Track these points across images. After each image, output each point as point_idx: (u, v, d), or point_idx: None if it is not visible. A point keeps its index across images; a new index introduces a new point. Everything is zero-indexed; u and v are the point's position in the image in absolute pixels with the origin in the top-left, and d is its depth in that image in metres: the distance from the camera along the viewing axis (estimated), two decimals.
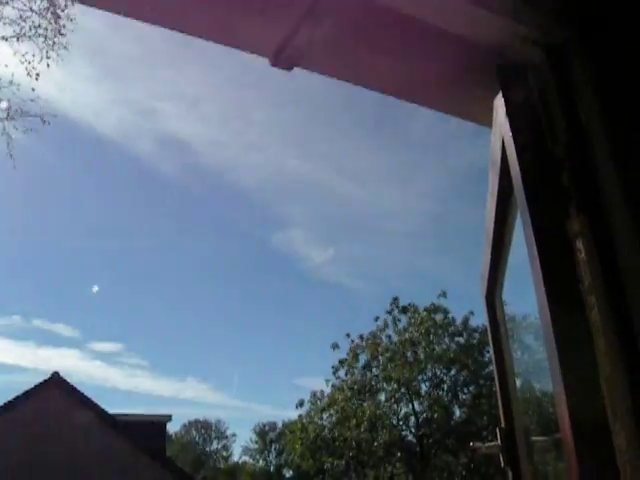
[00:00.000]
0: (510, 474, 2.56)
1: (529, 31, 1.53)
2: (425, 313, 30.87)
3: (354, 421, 30.36)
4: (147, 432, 27.72)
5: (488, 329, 2.71)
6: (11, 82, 11.79)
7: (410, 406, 31.22)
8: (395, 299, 31.94)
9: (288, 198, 61.99)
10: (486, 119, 1.96)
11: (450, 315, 30.97)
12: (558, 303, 1.41)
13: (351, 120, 53.57)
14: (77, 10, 12.70)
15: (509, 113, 1.59)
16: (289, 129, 54.14)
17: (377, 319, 31.91)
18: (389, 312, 31.73)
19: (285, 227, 69.08)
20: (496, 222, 2.01)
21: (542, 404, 2.50)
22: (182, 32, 1.74)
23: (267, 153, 57.83)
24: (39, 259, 59.31)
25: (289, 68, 1.79)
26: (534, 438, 2.49)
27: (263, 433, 67.16)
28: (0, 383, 60.61)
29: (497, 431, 2.63)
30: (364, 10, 1.70)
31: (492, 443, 2.65)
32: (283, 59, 1.75)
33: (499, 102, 1.69)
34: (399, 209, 52.47)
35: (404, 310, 31.55)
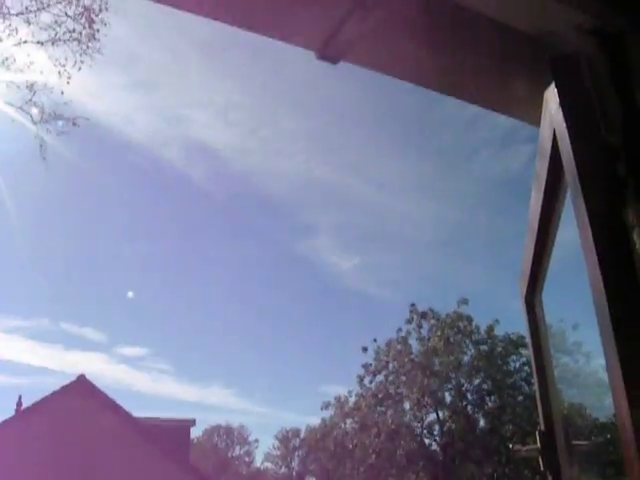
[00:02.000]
0: (550, 478, 2.52)
1: (584, 19, 1.50)
2: (449, 320, 30.71)
3: (375, 430, 30.27)
4: (171, 436, 27.87)
5: (527, 332, 2.67)
6: (45, 86, 11.95)
7: (434, 415, 31.04)
8: (412, 305, 31.85)
9: (314, 206, 62.09)
10: (532, 115, 1.93)
11: (474, 323, 30.77)
12: (616, 295, 1.37)
13: (378, 129, 53.58)
14: (110, 19, 12.89)
15: (562, 103, 1.56)
16: (317, 137, 54.28)
17: (399, 330, 31.86)
18: (409, 321, 31.64)
19: (311, 235, 69.16)
20: (542, 217, 1.96)
21: (584, 408, 2.46)
22: (230, 24, 1.73)
23: (294, 161, 58.00)
24: (69, 262, 59.78)
25: (335, 61, 1.78)
26: (575, 442, 2.44)
27: (286, 439, 67.11)
28: (28, 385, 61.21)
29: (537, 434, 2.59)
30: (410, 2, 1.68)
31: (532, 446, 2.61)
32: (330, 52, 1.73)
33: (551, 93, 1.65)
34: (425, 217, 52.26)
35: (423, 316, 31.42)
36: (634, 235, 1.40)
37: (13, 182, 14.71)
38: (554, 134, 1.64)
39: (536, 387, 2.59)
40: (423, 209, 51.83)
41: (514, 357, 30.34)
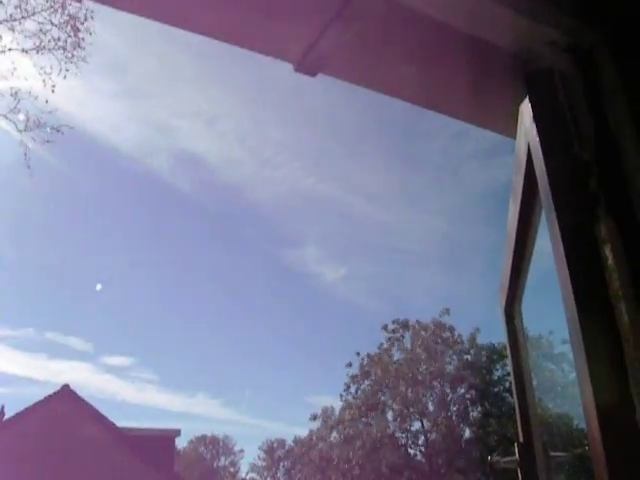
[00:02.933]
0: None
1: (557, 35, 1.51)
2: (431, 330, 30.82)
3: (359, 441, 30.22)
4: (156, 446, 27.68)
5: (507, 342, 2.68)
6: (30, 93, 11.91)
7: (419, 424, 31.04)
8: (394, 321, 32.04)
9: (302, 216, 62.19)
10: (509, 128, 1.95)
11: (456, 332, 30.88)
12: (586, 309, 1.38)
13: (366, 139, 53.84)
14: (98, 27, 12.88)
15: (536, 118, 1.58)
16: (304, 148, 54.48)
17: (381, 345, 32.00)
18: (393, 331, 31.77)
19: (298, 245, 69.23)
20: (519, 230, 1.98)
21: (562, 419, 2.45)
22: (207, 36, 1.74)
23: (282, 171, 58.13)
24: (53, 272, 59.46)
25: (313, 74, 1.79)
26: (554, 454, 2.44)
27: (271, 450, 66.83)
28: (12, 395, 60.63)
29: (515, 446, 2.59)
30: (389, 16, 1.69)
31: (510, 458, 2.61)
32: (307, 65, 1.74)
33: (526, 107, 1.67)
34: (411, 228, 52.53)
35: (405, 325, 31.57)
36: (605, 250, 1.41)
37: None
38: (528, 148, 1.65)
39: (515, 398, 2.59)
40: (410, 220, 52.11)
41: (498, 366, 30.45)
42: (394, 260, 58.11)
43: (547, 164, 1.49)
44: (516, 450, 2.57)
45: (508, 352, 2.69)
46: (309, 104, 48.77)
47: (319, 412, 34.50)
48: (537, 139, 1.54)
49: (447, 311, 30.99)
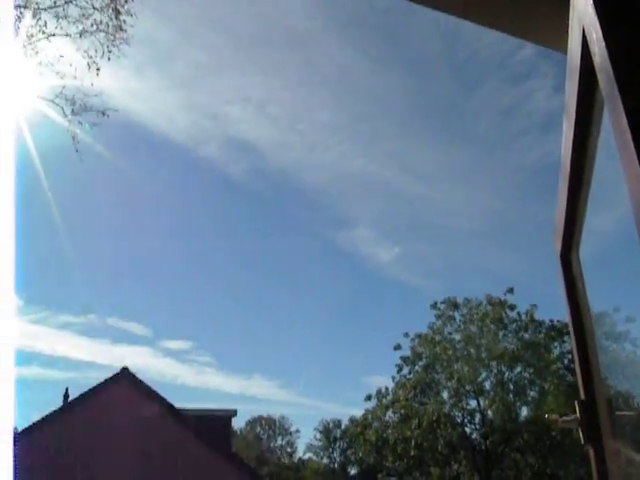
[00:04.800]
0: (592, 452, 2.30)
1: None
2: (487, 307, 30.32)
3: (416, 421, 30.01)
4: (213, 426, 27.99)
5: (563, 291, 2.45)
6: (75, 78, 12.00)
7: (475, 403, 30.68)
8: (444, 300, 31.69)
9: (354, 197, 62.01)
10: (553, 37, 1.72)
11: (516, 310, 30.30)
12: None
13: (416, 118, 53.27)
14: (147, 19, 12.97)
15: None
16: (354, 129, 54.19)
17: (432, 324, 31.74)
18: (442, 310, 31.45)
19: (350, 226, 69.10)
20: (575, 156, 1.74)
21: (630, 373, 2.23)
22: None
23: (332, 153, 58.01)
24: (113, 259, 60.72)
25: None
26: (620, 412, 2.22)
27: (327, 430, 67.24)
28: (77, 379, 62.45)
29: (576, 404, 2.38)
30: None
31: (570, 416, 2.40)
32: None
33: None
34: (464, 206, 51.80)
35: (455, 305, 31.15)
36: None
37: (52, 178, 14.81)
38: (583, 34, 1.42)
39: (574, 351, 2.37)
40: (462, 198, 51.38)
41: (556, 344, 29.82)
42: (447, 239, 57.51)
43: (609, 46, 1.26)
44: (577, 408, 2.36)
45: (565, 301, 2.46)
46: (358, 85, 48.41)
47: (374, 392, 34.40)
48: (597, 22, 1.31)
49: (511, 290, 30.40)
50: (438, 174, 53.63)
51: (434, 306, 31.86)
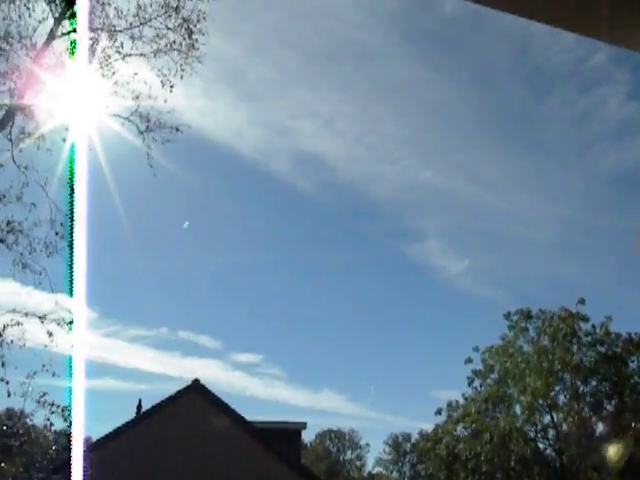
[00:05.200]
0: None
1: None
2: (560, 319, 29.58)
3: (487, 435, 29.46)
4: (282, 439, 28.13)
5: None
6: (149, 96, 12.45)
7: (549, 418, 29.92)
8: (517, 311, 31.04)
9: (422, 209, 61.84)
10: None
11: (590, 323, 29.46)
12: None
13: (483, 128, 52.76)
14: (216, 38, 13.39)
15: None
16: (421, 141, 54.13)
17: (505, 336, 31.15)
18: (515, 322, 30.82)
19: (419, 238, 68.87)
20: None
21: None
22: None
23: (400, 165, 58.08)
24: (184, 273, 62.11)
25: None
26: None
27: (397, 444, 66.72)
28: (150, 390, 63.86)
29: None
30: None
31: None
32: None
33: None
34: (534, 216, 50.95)
35: (529, 317, 30.47)
36: None
37: (125, 194, 15.31)
38: None
39: None
40: (532, 208, 50.52)
41: (634, 358, 28.84)
42: (516, 249, 56.55)
43: None
44: None
45: None
46: (423, 97, 48.24)
47: (444, 406, 33.99)
48: None
49: (582, 301, 29.60)
50: (506, 184, 52.91)
51: (507, 317, 31.30)
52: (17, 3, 12.59)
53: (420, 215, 63.78)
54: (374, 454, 77.83)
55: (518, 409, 30.40)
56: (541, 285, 57.18)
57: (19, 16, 12.64)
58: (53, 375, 12.49)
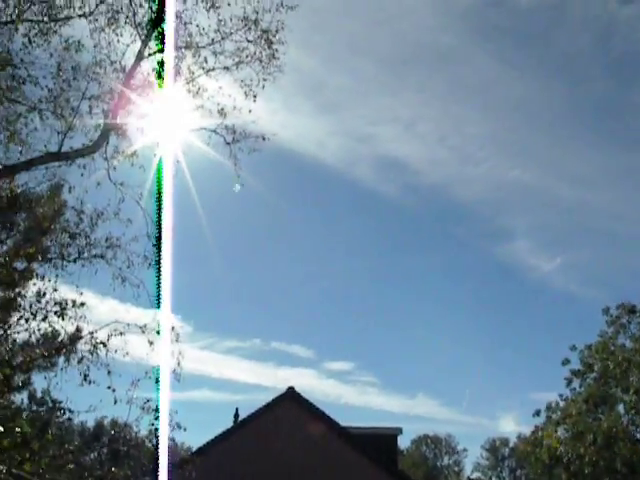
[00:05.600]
0: None
1: None
2: None
3: (590, 437, 28.48)
4: (378, 445, 28.05)
5: None
6: (234, 108, 12.84)
7: None
8: (618, 306, 29.83)
9: (510, 209, 60.78)
10: None
11: None
12: None
13: (570, 122, 51.45)
14: (292, 51, 13.73)
15: None
16: (505, 139, 53.24)
17: (604, 333, 30.06)
18: (611, 322, 29.66)
19: (508, 238, 67.71)
20: None
21: None
22: None
23: (485, 166, 57.34)
24: (274, 284, 63.18)
25: None
26: None
27: (494, 449, 65.39)
28: (245, 401, 65.13)
29: None
30: None
31: None
32: None
33: None
34: (628, 210, 49.12)
35: (631, 311, 29.25)
36: None
37: (212, 205, 15.75)
38: None
39: None
40: (625, 201, 48.73)
41: None
42: (611, 244, 54.68)
43: None
44: None
45: None
46: (505, 95, 47.37)
47: (541, 408, 33.11)
48: None
49: None
50: (598, 178, 51.31)
51: (606, 312, 30.24)
52: (107, 30, 13.20)
53: (508, 215, 62.77)
54: (471, 459, 76.54)
55: (622, 409, 29.30)
56: (638, 281, 55.03)
57: (109, 43, 13.25)
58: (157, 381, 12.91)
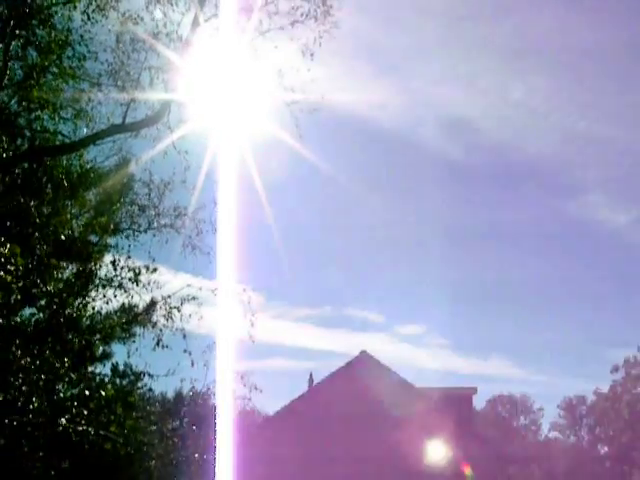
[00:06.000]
0: None
1: None
2: None
3: None
4: (453, 405, 28.03)
5: None
6: (291, 67, 12.78)
7: None
8: None
9: (581, 161, 58.91)
10: None
11: None
12: None
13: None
14: (348, 15, 13.53)
15: None
16: (572, 90, 51.40)
17: None
18: None
19: (581, 192, 65.63)
20: None
21: None
22: None
23: (552, 118, 55.51)
24: (342, 250, 63.07)
25: None
26: None
27: (571, 407, 64.32)
28: (317, 368, 65.68)
29: None
30: None
31: None
32: None
33: None
34: None
35: None
36: None
37: (275, 169, 15.74)
38: None
39: None
40: None
41: None
42: None
43: None
44: None
45: None
46: (568, 43, 45.63)
47: (619, 364, 32.40)
48: None
49: None
50: None
51: None
52: (162, 1, 13.28)
53: (579, 168, 60.76)
54: (548, 419, 75.50)
55: None
56: None
57: (164, 14, 13.33)
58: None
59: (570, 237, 72.69)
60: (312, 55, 12.55)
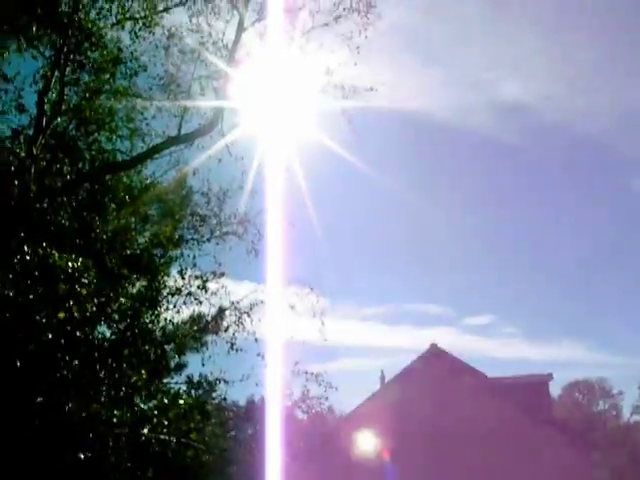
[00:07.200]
0: None
1: None
2: None
3: None
4: (529, 393, 27.48)
5: None
6: (339, 64, 12.75)
7: None
8: None
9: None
10: None
11: None
12: None
13: None
14: (390, 10, 13.45)
15: None
16: (624, 62, 49.70)
17: None
18: None
19: None
20: None
21: None
22: None
23: (605, 92, 53.65)
24: (401, 242, 62.30)
25: None
26: None
27: None
28: (386, 365, 65.00)
29: None
30: None
31: None
32: None
33: None
34: None
35: None
36: None
37: (327, 170, 15.72)
38: None
39: None
40: None
41: None
42: None
43: None
44: None
45: None
46: (618, 14, 44.28)
47: None
48: None
49: None
50: None
51: None
52: (205, 12, 13.45)
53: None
54: (629, 402, 73.13)
55: None
56: None
57: (208, 24, 13.49)
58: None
59: (636, 215, 70.25)
60: (358, 48, 12.48)
